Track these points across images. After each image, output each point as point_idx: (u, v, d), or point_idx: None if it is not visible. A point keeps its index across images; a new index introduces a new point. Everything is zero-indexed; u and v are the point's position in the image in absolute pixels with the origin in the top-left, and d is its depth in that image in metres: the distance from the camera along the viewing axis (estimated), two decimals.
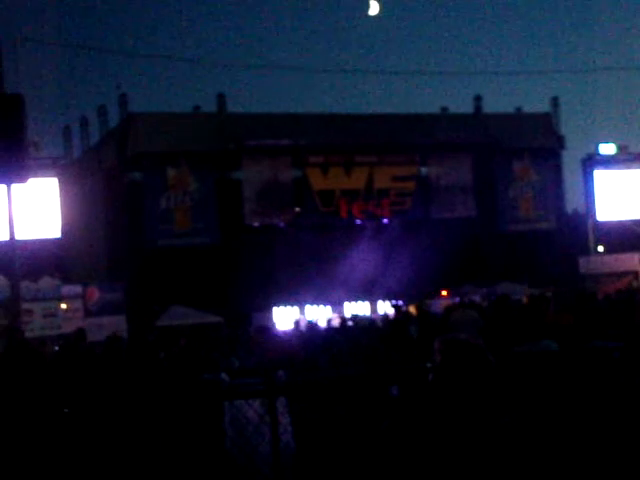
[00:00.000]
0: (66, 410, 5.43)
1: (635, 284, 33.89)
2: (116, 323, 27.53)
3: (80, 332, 14.15)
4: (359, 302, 35.77)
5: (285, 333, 23.96)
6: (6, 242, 20.78)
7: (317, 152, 40.45)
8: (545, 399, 6.05)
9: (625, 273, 37.96)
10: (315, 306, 35.13)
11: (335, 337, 17.55)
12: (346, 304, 35.47)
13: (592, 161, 42.47)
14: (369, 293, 35.71)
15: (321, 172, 40.71)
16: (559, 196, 45.39)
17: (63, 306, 30.04)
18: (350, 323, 21.97)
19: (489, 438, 3.73)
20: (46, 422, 5.25)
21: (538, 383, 6.07)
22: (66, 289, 30.70)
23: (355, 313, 31.42)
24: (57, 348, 16.34)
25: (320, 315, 33.31)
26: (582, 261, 38.47)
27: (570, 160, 46.28)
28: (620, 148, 43.01)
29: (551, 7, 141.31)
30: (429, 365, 3.99)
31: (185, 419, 6.32)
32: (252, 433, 6.51)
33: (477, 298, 30.34)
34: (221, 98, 41.02)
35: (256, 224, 39.35)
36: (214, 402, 6.62)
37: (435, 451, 3.72)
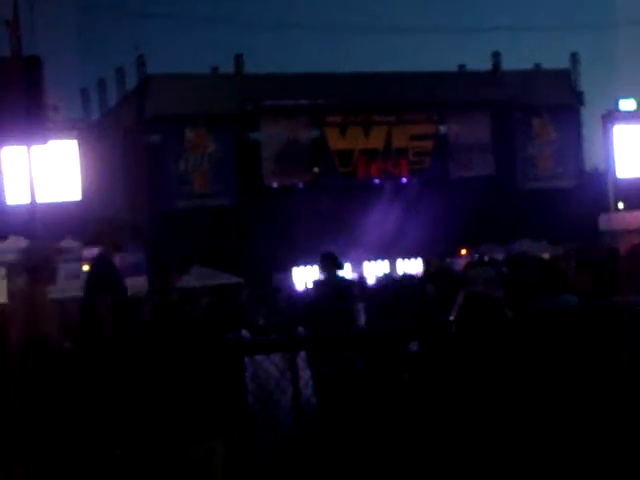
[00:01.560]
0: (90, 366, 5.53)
1: None
2: (138, 284, 27.67)
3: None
4: (378, 261, 35.80)
5: (306, 292, 24.08)
6: (27, 205, 20.93)
7: (335, 112, 40.31)
8: (564, 355, 6.08)
9: None
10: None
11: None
12: (365, 263, 35.51)
13: (612, 117, 42.11)
14: (388, 252, 35.72)
15: (339, 132, 40.59)
16: (578, 153, 45.09)
17: (85, 268, 30.19)
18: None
19: (506, 391, 3.77)
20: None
21: (557, 339, 6.08)
22: (87, 251, 30.81)
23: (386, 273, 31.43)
24: None
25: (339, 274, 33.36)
26: (602, 218, 38.30)
27: (590, 117, 45.77)
28: None
29: None
30: (450, 319, 4.03)
31: (207, 375, 6.39)
32: (273, 388, 6.59)
33: (499, 256, 30.29)
34: (239, 58, 40.85)
35: (275, 185, 39.37)
36: (235, 357, 6.69)
37: (454, 402, 3.78)
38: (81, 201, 30.53)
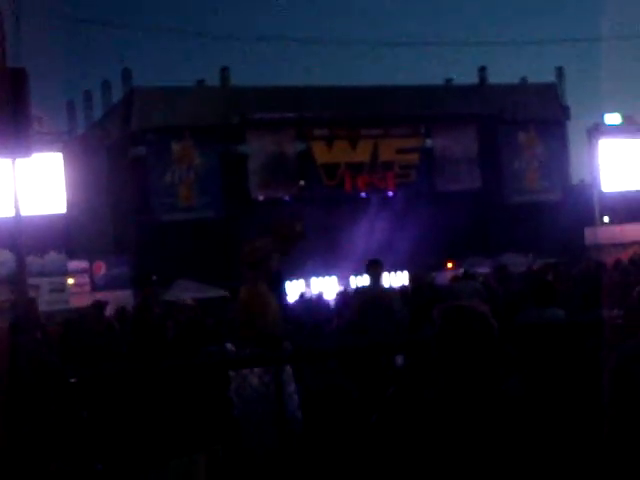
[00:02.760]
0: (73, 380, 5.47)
1: None
2: (123, 297, 27.62)
3: (96, 305, 13.81)
4: (365, 275, 35.71)
5: (291, 305, 24.01)
6: (11, 217, 20.80)
7: (322, 125, 40.35)
8: (551, 367, 6.07)
9: (631, 244, 37.95)
10: (321, 278, 35.17)
11: (342, 308, 17.58)
12: (352, 277, 35.48)
13: (597, 131, 42.37)
14: None
15: (326, 145, 40.62)
16: (564, 167, 45.22)
17: (70, 281, 30.16)
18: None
19: (493, 404, 3.74)
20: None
21: (545, 352, 6.08)
22: (72, 264, 30.80)
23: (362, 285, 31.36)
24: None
25: (325, 287, 33.38)
26: (588, 232, 38.48)
27: (576, 131, 46.16)
28: (625, 118, 42.88)
29: None
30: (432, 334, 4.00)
31: (192, 388, 6.35)
32: (258, 402, 6.54)
33: (485, 269, 30.32)
34: (225, 71, 40.86)
35: (261, 198, 39.31)
36: (219, 371, 6.65)
37: (439, 418, 3.74)
38: (66, 214, 30.49)
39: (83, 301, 21.59)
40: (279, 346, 6.81)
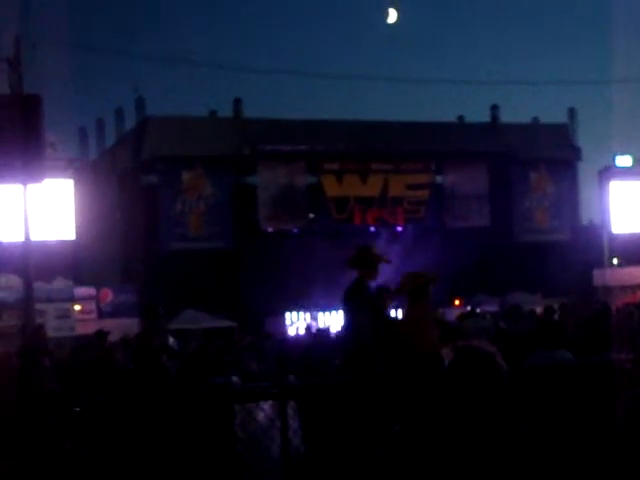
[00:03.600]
0: (77, 409, 5.42)
1: None
2: (129, 325, 27.54)
3: (100, 334, 13.86)
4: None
5: (297, 338, 23.95)
6: (21, 243, 20.84)
7: (332, 159, 40.45)
8: (559, 411, 6.01)
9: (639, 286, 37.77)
10: (327, 312, 35.07)
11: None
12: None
13: (608, 173, 42.30)
14: None
15: (336, 179, 40.69)
16: (574, 207, 45.19)
17: (77, 307, 30.12)
18: None
19: (500, 446, 3.70)
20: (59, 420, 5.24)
21: (553, 395, 6.03)
22: (79, 291, 30.78)
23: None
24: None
25: (332, 321, 33.27)
26: (597, 273, 38.32)
27: (586, 171, 45.98)
28: (636, 160, 42.84)
29: (568, 17, 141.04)
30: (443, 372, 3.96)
31: (196, 422, 6.29)
32: (262, 436, 6.49)
33: (493, 307, 30.24)
34: (238, 103, 41.06)
35: (270, 229, 39.34)
36: (225, 405, 6.60)
37: (447, 456, 3.70)
38: (75, 240, 30.49)
39: (89, 328, 21.51)
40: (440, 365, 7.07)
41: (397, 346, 8.07)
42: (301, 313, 35.31)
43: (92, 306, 30.71)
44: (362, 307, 8.52)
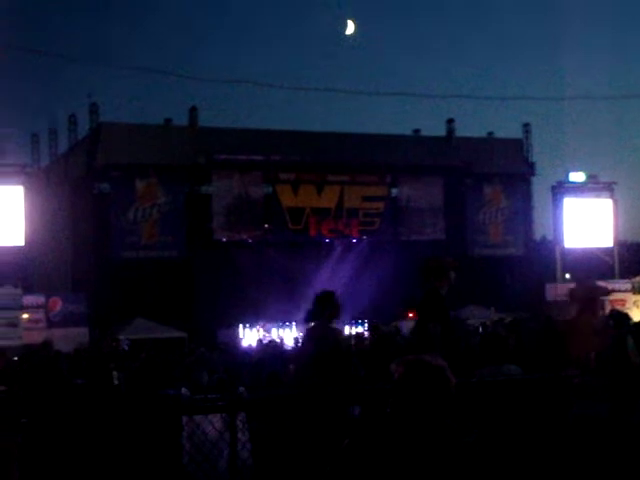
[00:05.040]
0: (24, 420, 5.28)
1: (601, 312, 33.92)
2: (78, 334, 27.16)
3: (46, 344, 13.73)
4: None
5: (250, 350, 23.77)
6: None
7: (288, 169, 40.35)
8: (508, 423, 6.00)
9: None
10: (281, 324, 34.86)
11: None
12: (312, 323, 35.22)
13: (562, 189, 42.76)
14: None
15: (292, 189, 40.59)
16: (528, 222, 45.52)
17: (25, 316, 29.64)
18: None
19: (449, 459, 3.67)
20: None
21: (500, 409, 6.04)
22: (28, 299, 30.30)
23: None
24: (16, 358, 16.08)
25: (286, 333, 33.10)
26: (549, 288, 38.59)
27: (540, 187, 46.46)
28: (590, 177, 43.35)
29: (524, 34, 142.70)
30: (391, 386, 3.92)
31: (143, 433, 6.19)
32: (210, 449, 6.39)
33: None
34: (193, 111, 40.83)
35: (224, 239, 39.10)
36: (172, 417, 6.51)
37: (394, 468, 3.67)
38: (24, 248, 30.07)
39: (37, 337, 21.16)
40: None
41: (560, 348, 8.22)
42: (255, 325, 35.04)
43: (41, 315, 30.23)
44: (435, 317, 8.40)
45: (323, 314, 9.09)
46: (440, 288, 8.58)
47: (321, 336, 9.10)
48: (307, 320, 9.22)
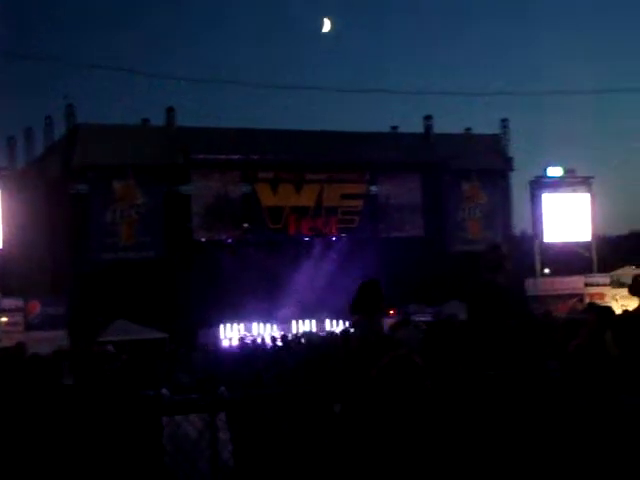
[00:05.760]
0: None
1: (580, 306, 34.21)
2: (57, 337, 26.96)
3: (19, 346, 13.69)
4: (306, 320, 35.53)
5: (230, 350, 23.73)
6: None
7: (267, 168, 40.30)
8: (492, 418, 5.98)
9: (571, 295, 38.31)
10: (262, 323, 34.84)
11: (281, 354, 17.34)
12: (293, 322, 35.24)
13: (540, 183, 43.00)
14: (316, 311, 35.51)
15: (270, 188, 40.54)
16: (507, 217, 45.65)
17: (3, 319, 29.48)
18: (302, 340, 21.78)
19: (422, 453, 3.70)
20: None
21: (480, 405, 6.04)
22: (6, 302, 30.14)
23: (306, 330, 31.23)
24: None
25: (266, 332, 33.09)
26: (528, 283, 38.76)
27: (518, 182, 46.60)
28: (567, 171, 43.58)
29: (500, 30, 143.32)
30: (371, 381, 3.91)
31: (124, 433, 6.14)
32: (191, 449, 6.36)
33: (426, 318, 30.28)
34: (170, 111, 40.66)
35: (203, 239, 39.01)
36: (152, 417, 6.46)
37: (372, 465, 3.68)
38: (2, 250, 29.91)
39: (15, 340, 20.99)
40: None
41: None
42: (235, 324, 34.99)
43: (19, 318, 30.06)
44: (493, 309, 8.16)
45: (367, 307, 8.20)
46: (497, 279, 8.27)
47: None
48: (352, 312, 8.32)
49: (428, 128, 45.08)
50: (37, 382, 9.13)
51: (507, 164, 45.71)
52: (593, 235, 43.55)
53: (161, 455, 6.52)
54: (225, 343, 31.91)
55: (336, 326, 33.16)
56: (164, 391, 8.36)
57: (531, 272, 40.93)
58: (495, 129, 46.38)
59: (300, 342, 21.72)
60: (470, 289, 8.47)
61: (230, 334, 33.72)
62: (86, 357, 10.47)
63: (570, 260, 41.13)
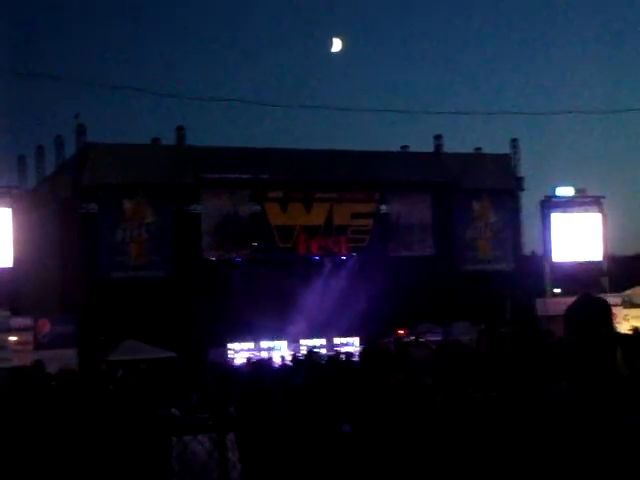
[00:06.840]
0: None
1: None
2: (67, 356, 26.95)
3: (38, 365, 13.53)
4: (315, 339, 35.47)
5: (239, 369, 23.64)
6: None
7: (277, 187, 40.33)
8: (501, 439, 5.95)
9: None
10: (271, 342, 34.78)
11: (290, 374, 17.31)
12: (302, 340, 35.17)
13: (550, 203, 42.87)
14: (325, 330, 35.45)
15: (280, 207, 40.55)
16: (517, 237, 45.56)
17: (13, 338, 29.46)
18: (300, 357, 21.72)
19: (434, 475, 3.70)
20: None
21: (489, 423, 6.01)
22: (16, 321, 30.14)
23: (311, 347, 31.13)
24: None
25: (275, 351, 33.01)
26: (539, 303, 38.61)
27: (528, 202, 46.46)
28: (578, 191, 43.48)
29: (512, 49, 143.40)
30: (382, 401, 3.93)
31: (133, 453, 6.11)
32: (199, 470, 6.31)
33: (436, 337, 30.32)
34: (180, 130, 40.78)
35: (213, 258, 39.01)
36: (162, 437, 6.43)
37: None
38: (13, 269, 29.95)
39: (25, 359, 20.98)
40: None
41: None
42: (244, 344, 34.94)
43: (29, 337, 30.04)
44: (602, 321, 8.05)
45: (490, 318, 8.44)
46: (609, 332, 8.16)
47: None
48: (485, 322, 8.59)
49: (438, 147, 45.12)
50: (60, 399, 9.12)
51: (517, 184, 45.67)
52: (604, 255, 43.38)
53: (170, 476, 6.48)
54: (235, 362, 31.84)
55: (345, 345, 33.12)
56: (174, 411, 8.31)
57: (541, 291, 40.77)
58: (505, 149, 46.39)
59: (308, 360, 21.61)
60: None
61: (240, 353, 33.65)
62: (92, 376, 10.42)
63: (581, 280, 40.96)
